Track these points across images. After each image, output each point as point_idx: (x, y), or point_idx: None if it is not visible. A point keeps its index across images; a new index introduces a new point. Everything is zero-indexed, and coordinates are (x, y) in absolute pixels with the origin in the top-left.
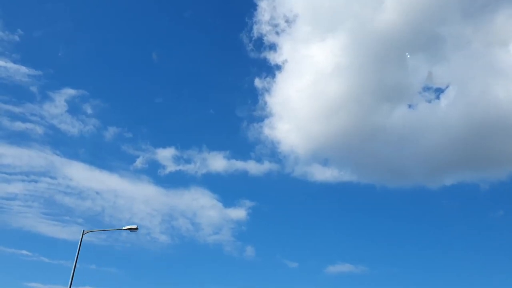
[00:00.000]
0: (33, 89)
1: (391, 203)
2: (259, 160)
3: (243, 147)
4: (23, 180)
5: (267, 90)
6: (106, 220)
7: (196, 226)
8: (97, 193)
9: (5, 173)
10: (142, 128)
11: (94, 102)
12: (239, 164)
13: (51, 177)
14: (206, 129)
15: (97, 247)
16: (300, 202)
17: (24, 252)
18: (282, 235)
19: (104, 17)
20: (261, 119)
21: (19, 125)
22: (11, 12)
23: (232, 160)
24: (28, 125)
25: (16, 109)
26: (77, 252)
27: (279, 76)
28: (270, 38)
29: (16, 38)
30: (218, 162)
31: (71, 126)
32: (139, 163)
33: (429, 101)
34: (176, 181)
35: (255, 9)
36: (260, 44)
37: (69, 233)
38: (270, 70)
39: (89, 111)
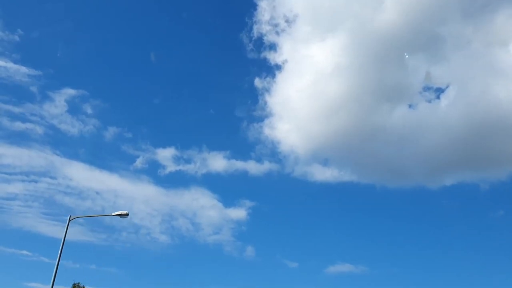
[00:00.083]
0: (33, 89)
1: (391, 203)
2: (259, 160)
3: (243, 147)
4: (23, 180)
5: (267, 90)
6: (106, 220)
7: (196, 226)
8: (97, 193)
9: (5, 173)
10: (142, 128)
11: (94, 102)
12: (239, 164)
13: (51, 177)
14: (206, 129)
15: (97, 247)
16: (300, 202)
17: (24, 252)
18: (282, 235)
19: (105, 17)
20: (261, 119)
21: (19, 125)
22: (11, 12)
23: (232, 160)
24: (28, 125)
25: (16, 109)
26: (63, 237)
27: (279, 76)
28: (270, 38)
29: (16, 38)
30: (218, 162)
31: (71, 126)
32: (139, 163)
33: (429, 101)
34: (176, 181)
35: (255, 9)
36: (260, 44)
37: (69, 233)
38: (270, 70)
39: (89, 111)
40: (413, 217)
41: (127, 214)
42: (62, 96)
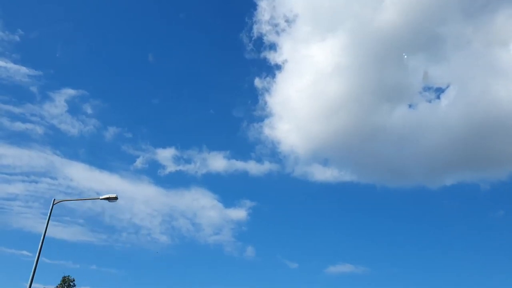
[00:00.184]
0: (33, 89)
1: (391, 203)
2: (259, 160)
3: (243, 147)
4: (23, 181)
5: (267, 90)
6: (107, 220)
7: (196, 226)
8: (98, 193)
9: (6, 173)
10: (142, 128)
11: (94, 102)
12: (239, 164)
13: (51, 178)
14: (206, 129)
15: (97, 247)
16: (300, 202)
17: (25, 252)
18: (282, 235)
19: (105, 18)
20: (261, 119)
21: (19, 125)
22: (11, 12)
23: (232, 160)
24: (28, 125)
25: (16, 110)
26: (47, 221)
27: (279, 76)
28: (270, 38)
29: (16, 38)
30: (218, 162)
31: (71, 126)
32: (139, 163)
33: (429, 101)
34: (176, 181)
35: (255, 9)
36: (260, 44)
37: (70, 233)
38: (270, 70)
39: (89, 111)
40: (413, 217)
41: (115, 198)
42: (62, 96)
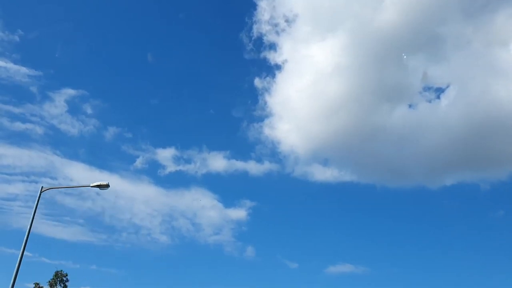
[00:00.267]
0: (33, 89)
1: (391, 203)
2: (259, 160)
3: (243, 147)
4: (23, 181)
5: (267, 90)
6: (107, 220)
7: (196, 226)
8: (98, 193)
9: (6, 173)
10: (142, 128)
11: (94, 102)
12: (239, 164)
13: (51, 178)
14: (206, 129)
15: (97, 247)
16: (300, 202)
17: (25, 252)
18: (282, 235)
19: (105, 18)
20: (261, 119)
21: (19, 126)
22: (11, 12)
23: (232, 160)
24: (28, 126)
25: (16, 110)
26: (34, 210)
27: (279, 76)
28: (270, 37)
29: (16, 38)
30: (218, 162)
31: (71, 126)
32: (139, 163)
33: (429, 101)
34: (176, 181)
35: (255, 9)
36: (260, 43)
37: (70, 233)
38: (270, 70)
39: (89, 111)
40: (413, 217)
41: (107, 185)
42: (62, 96)
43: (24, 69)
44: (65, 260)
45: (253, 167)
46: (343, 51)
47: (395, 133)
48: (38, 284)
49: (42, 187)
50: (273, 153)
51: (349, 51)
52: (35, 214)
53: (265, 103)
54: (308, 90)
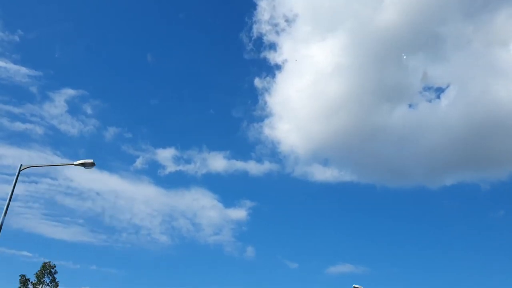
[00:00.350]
0: (33, 89)
1: (391, 203)
2: (259, 160)
3: (243, 147)
4: (23, 181)
5: (267, 90)
6: (107, 220)
7: (196, 226)
8: (98, 193)
9: (6, 173)
10: (142, 128)
11: (94, 102)
12: (239, 164)
13: (51, 178)
14: (206, 129)
15: (97, 247)
16: (300, 202)
17: (25, 253)
18: (282, 235)
19: (104, 18)
20: (261, 119)
21: (19, 126)
22: (11, 12)
23: (232, 160)
24: (28, 126)
25: (16, 110)
26: (12, 187)
27: (279, 76)
28: (270, 37)
29: (16, 38)
30: (218, 162)
31: (71, 127)
32: (139, 163)
33: (430, 101)
34: (176, 182)
35: (255, 9)
36: (260, 43)
37: (70, 234)
38: (270, 70)
39: (89, 111)
40: (413, 217)
41: (92, 164)
42: (62, 97)
43: (24, 69)
44: (65, 260)
45: (253, 167)
46: (343, 51)
47: (395, 133)
48: (24, 276)
49: (21, 165)
50: (273, 153)
51: (349, 51)
52: (13, 193)
53: (265, 103)
54: (308, 90)
